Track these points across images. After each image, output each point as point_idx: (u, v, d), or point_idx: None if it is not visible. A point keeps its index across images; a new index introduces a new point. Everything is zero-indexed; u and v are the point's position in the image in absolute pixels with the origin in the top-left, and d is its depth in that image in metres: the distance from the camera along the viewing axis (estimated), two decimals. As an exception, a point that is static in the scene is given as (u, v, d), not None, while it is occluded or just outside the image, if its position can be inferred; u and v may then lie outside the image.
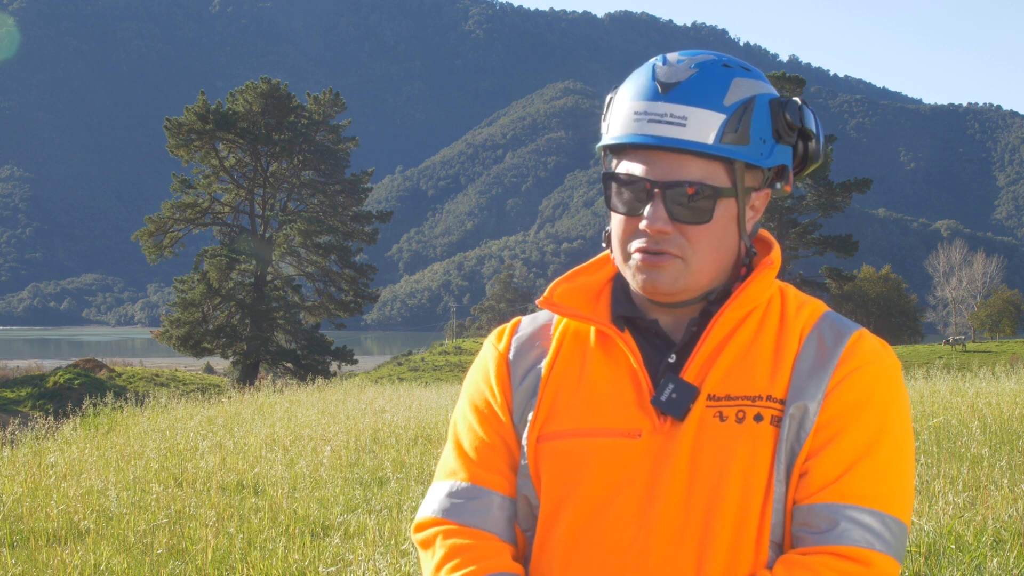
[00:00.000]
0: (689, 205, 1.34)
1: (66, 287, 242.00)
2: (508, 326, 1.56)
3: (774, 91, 1.40)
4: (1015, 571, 3.93)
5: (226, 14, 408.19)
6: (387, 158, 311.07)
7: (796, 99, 1.40)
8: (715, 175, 1.34)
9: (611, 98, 1.43)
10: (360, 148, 40.61)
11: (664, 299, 1.39)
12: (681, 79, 1.34)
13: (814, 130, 1.41)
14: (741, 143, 1.34)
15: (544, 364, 1.47)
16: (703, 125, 1.32)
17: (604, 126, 1.43)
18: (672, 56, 1.39)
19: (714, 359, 1.37)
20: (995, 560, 3.97)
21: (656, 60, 1.40)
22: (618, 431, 1.37)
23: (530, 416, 1.44)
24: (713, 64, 1.36)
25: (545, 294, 1.49)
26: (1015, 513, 4.71)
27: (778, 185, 1.42)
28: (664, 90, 1.34)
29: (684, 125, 1.32)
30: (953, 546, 4.28)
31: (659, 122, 1.33)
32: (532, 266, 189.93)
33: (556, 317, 1.52)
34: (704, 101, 1.33)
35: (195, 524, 5.31)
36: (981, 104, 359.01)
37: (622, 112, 1.38)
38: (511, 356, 1.51)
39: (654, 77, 1.36)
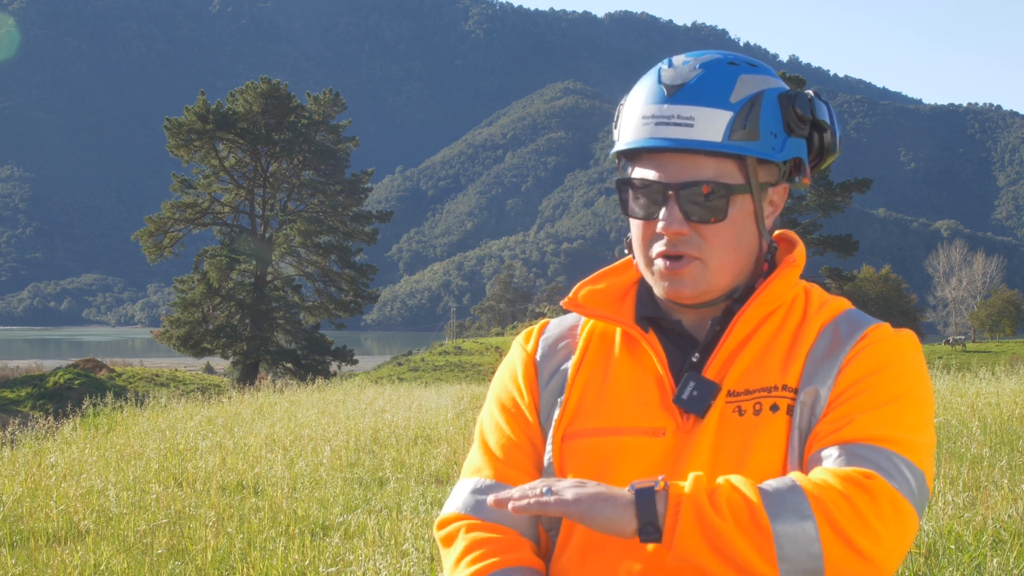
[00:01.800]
0: (704, 205, 1.34)
1: (66, 287, 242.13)
2: (536, 327, 1.58)
3: (783, 85, 1.40)
4: (1015, 571, 3.92)
5: (226, 14, 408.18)
6: (387, 158, 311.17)
7: (808, 92, 1.39)
8: (727, 173, 1.35)
9: (621, 105, 1.44)
10: (360, 148, 40.63)
11: (688, 302, 1.40)
12: (686, 80, 1.35)
13: (827, 121, 1.41)
14: (751, 139, 1.34)
15: (571, 364, 1.48)
16: (711, 124, 1.33)
17: (616, 134, 1.44)
18: (678, 59, 1.40)
19: (735, 356, 1.38)
20: (995, 560, 3.97)
21: (662, 64, 1.41)
22: (643, 430, 1.38)
23: (556, 415, 1.45)
24: (718, 63, 1.37)
25: (570, 295, 1.50)
26: (1015, 513, 4.71)
27: (796, 179, 1.42)
28: (670, 92, 1.35)
29: (692, 125, 1.33)
30: (953, 546, 4.27)
31: (667, 124, 1.34)
32: (532, 266, 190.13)
33: (583, 318, 1.53)
34: (710, 100, 1.33)
35: (195, 524, 5.31)
36: (981, 104, 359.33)
37: (631, 118, 1.39)
38: (538, 357, 1.52)
39: (660, 80, 1.37)
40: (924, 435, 1.30)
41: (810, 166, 1.43)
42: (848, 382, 1.31)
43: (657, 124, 1.35)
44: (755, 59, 1.41)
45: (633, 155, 1.41)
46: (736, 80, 1.35)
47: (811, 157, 1.43)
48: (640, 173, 1.39)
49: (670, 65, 1.39)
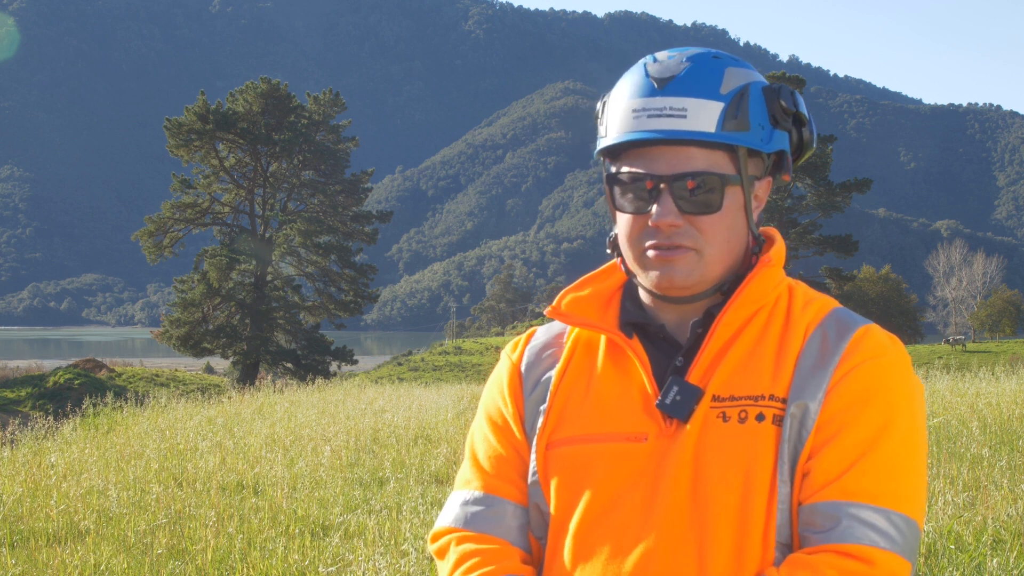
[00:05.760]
0: (697, 196, 1.33)
1: (66, 287, 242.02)
2: (523, 337, 1.58)
3: (764, 80, 1.41)
4: (1015, 571, 3.92)
5: (226, 14, 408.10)
6: (387, 158, 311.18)
7: (786, 86, 1.40)
8: (719, 164, 1.34)
9: (604, 102, 1.43)
10: (360, 148, 40.61)
11: (679, 293, 1.38)
12: (675, 73, 1.35)
13: (806, 115, 1.41)
14: (742, 129, 1.34)
15: (555, 372, 1.48)
16: (703, 115, 1.32)
17: (601, 129, 1.43)
18: (662, 54, 1.40)
19: (719, 360, 1.37)
20: (995, 560, 3.97)
21: (646, 59, 1.40)
22: (624, 435, 1.37)
23: (540, 424, 1.45)
24: (704, 56, 1.37)
25: (554, 303, 1.50)
26: (1015, 513, 4.71)
27: (778, 175, 1.43)
28: (660, 85, 1.35)
29: (684, 116, 1.32)
30: (953, 546, 4.27)
31: (659, 116, 1.33)
32: (532, 266, 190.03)
33: (569, 326, 1.52)
34: (701, 91, 1.33)
35: (195, 524, 5.31)
36: (981, 104, 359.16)
37: (619, 112, 1.38)
38: (524, 366, 1.52)
39: (647, 75, 1.37)
40: (916, 474, 1.31)
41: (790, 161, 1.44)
42: (836, 408, 1.30)
43: (649, 116, 1.34)
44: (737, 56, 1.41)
45: (620, 150, 1.40)
46: (724, 72, 1.35)
47: (791, 152, 1.43)
48: (628, 167, 1.37)
49: (655, 60, 1.38)
